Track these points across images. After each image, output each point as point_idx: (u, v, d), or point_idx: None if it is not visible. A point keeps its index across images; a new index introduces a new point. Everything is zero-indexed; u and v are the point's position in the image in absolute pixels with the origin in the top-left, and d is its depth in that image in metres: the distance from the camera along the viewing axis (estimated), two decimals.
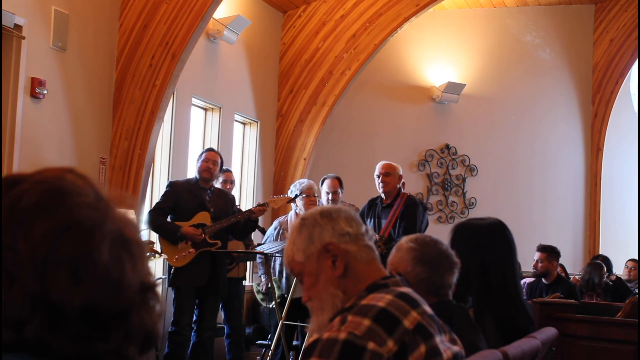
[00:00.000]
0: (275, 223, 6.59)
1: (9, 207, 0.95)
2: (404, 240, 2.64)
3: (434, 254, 2.57)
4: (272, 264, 6.41)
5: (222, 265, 6.22)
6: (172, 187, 6.26)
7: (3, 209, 0.95)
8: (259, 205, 6.31)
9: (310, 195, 6.45)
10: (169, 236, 6.05)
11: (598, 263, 8.45)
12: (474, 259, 3.12)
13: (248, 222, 6.23)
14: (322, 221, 1.96)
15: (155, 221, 6.07)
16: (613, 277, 8.68)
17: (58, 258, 0.92)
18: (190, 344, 6.21)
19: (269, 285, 6.38)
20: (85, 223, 0.95)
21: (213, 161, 6.26)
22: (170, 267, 6.16)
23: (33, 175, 0.99)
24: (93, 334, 0.93)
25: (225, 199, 6.36)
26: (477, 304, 3.11)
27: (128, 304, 0.96)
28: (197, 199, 6.15)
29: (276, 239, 6.41)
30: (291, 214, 6.56)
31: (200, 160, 6.26)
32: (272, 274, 6.38)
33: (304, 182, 6.63)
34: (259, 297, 6.57)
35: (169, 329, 6.14)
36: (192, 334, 6.22)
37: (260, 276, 6.55)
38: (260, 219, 8.44)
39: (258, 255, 6.56)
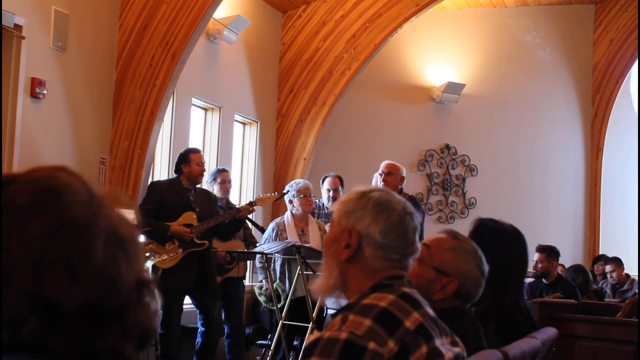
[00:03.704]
0: (273, 224, 6.55)
1: (2, 207, 0.94)
2: (475, 250, 2.47)
3: (487, 272, 2.48)
4: (273, 265, 6.38)
5: (211, 264, 6.18)
6: (155, 188, 6.19)
7: None
8: (247, 204, 6.30)
9: (307, 195, 6.44)
10: (159, 236, 5.96)
11: (580, 269, 8.44)
12: (497, 261, 3.12)
13: (232, 222, 6.19)
14: (369, 210, 1.93)
15: (144, 222, 5.98)
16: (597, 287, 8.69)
17: (53, 257, 0.92)
18: (198, 346, 6.20)
19: (273, 288, 6.36)
20: (78, 221, 0.95)
21: (204, 163, 6.27)
22: (156, 269, 6.06)
23: (25, 175, 0.99)
24: (90, 333, 0.93)
25: (208, 198, 6.33)
26: (485, 305, 3.09)
27: (124, 301, 0.96)
28: (183, 199, 6.10)
29: (275, 240, 6.38)
30: (287, 214, 6.53)
31: (191, 163, 6.14)
32: (273, 276, 6.34)
33: (300, 182, 6.62)
34: (261, 299, 6.54)
35: (159, 331, 6.08)
36: (199, 336, 6.19)
37: (261, 280, 6.52)
38: (259, 218, 8.46)
39: (258, 259, 6.52)
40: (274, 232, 6.43)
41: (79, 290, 0.92)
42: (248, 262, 7.41)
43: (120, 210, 1.02)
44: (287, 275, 6.32)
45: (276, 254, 6.25)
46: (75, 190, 0.98)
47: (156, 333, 1.02)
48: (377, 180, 6.82)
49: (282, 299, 6.24)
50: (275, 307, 6.20)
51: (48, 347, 0.91)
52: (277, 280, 6.30)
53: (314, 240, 6.27)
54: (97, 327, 0.94)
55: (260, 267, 6.48)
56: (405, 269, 1.95)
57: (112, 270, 0.95)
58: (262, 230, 6.74)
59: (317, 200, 7.12)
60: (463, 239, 2.51)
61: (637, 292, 8.38)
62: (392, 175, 6.41)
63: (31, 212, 0.94)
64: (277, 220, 6.57)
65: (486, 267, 2.47)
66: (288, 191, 6.46)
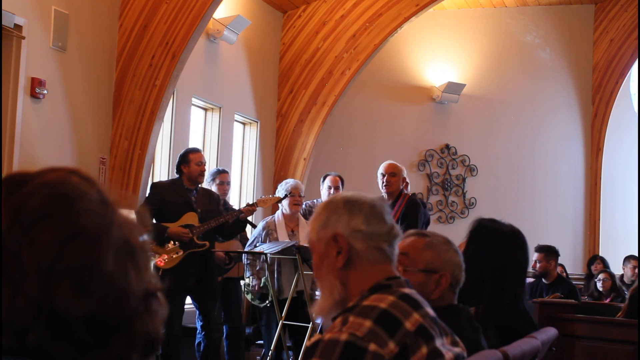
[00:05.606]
0: (263, 223, 6.52)
1: (13, 211, 0.92)
2: (445, 238, 2.54)
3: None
4: (262, 264, 6.37)
5: (212, 265, 6.18)
6: (156, 188, 6.19)
7: (7, 213, 0.92)
8: (248, 205, 6.29)
9: (295, 195, 6.41)
10: (156, 237, 5.94)
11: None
12: (495, 261, 3.12)
13: (237, 223, 6.18)
14: (341, 210, 1.95)
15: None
16: None
17: (63, 267, 0.91)
18: (202, 347, 6.20)
19: (261, 285, 6.35)
20: (90, 231, 0.93)
21: (204, 163, 6.26)
22: (156, 269, 6.04)
23: (37, 177, 0.97)
24: (96, 342, 0.92)
25: (210, 198, 6.31)
26: (484, 305, 3.09)
27: (132, 312, 0.95)
28: (184, 200, 6.09)
29: (264, 241, 6.36)
30: (278, 213, 6.52)
31: (190, 163, 6.13)
32: (263, 274, 6.33)
33: (290, 181, 6.61)
34: (249, 297, 6.53)
35: None
36: (202, 337, 6.18)
37: (248, 277, 6.50)
38: (259, 218, 8.45)
39: (245, 257, 6.51)
40: (264, 231, 6.40)
41: (87, 302, 0.91)
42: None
43: (131, 218, 1.00)
44: (275, 276, 6.30)
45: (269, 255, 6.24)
46: (88, 197, 0.96)
47: (162, 340, 1.00)
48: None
49: (269, 296, 6.25)
50: (272, 304, 6.20)
51: (52, 355, 0.90)
52: (266, 276, 6.28)
53: (303, 242, 6.26)
54: (103, 337, 0.92)
55: (248, 263, 6.45)
56: (393, 263, 1.96)
57: (121, 282, 0.94)
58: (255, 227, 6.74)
59: (316, 200, 7.12)
60: (431, 234, 2.58)
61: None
62: (395, 177, 6.33)
63: (43, 219, 0.92)
64: (268, 219, 6.54)
65: (459, 249, 2.56)
66: (290, 192, 6.44)
